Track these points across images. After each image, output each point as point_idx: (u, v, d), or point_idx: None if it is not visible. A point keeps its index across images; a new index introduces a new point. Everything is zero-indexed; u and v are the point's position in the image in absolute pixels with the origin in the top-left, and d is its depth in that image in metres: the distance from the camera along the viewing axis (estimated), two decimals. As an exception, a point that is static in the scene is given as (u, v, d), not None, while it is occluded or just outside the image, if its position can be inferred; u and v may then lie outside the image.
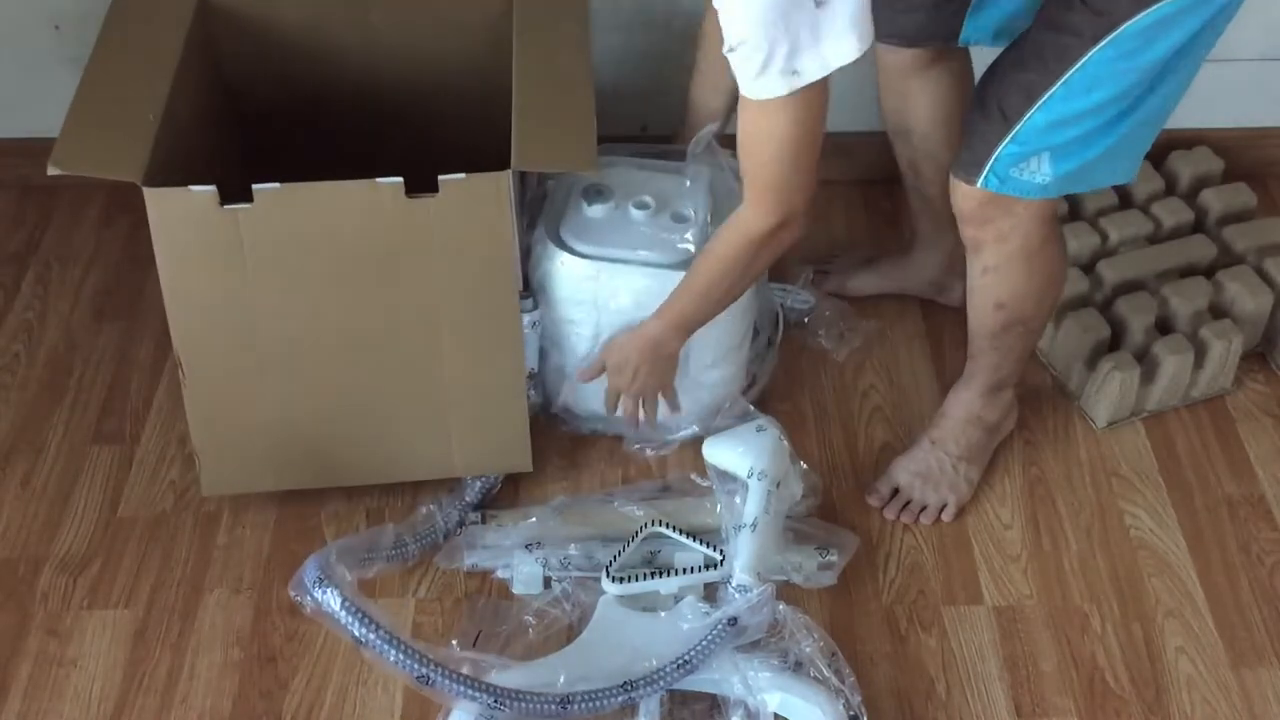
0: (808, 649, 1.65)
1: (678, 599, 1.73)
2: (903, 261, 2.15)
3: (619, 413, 1.87)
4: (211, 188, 1.62)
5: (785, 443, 1.82)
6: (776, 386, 2.05)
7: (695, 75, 1.92)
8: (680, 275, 1.80)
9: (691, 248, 1.82)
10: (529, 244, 1.87)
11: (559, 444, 1.97)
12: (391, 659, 1.54)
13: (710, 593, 1.75)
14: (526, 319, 1.83)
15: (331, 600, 1.55)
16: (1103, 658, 1.75)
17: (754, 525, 1.71)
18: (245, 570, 1.82)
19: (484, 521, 1.85)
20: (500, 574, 1.80)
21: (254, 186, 1.62)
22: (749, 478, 1.76)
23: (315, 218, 1.66)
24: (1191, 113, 2.32)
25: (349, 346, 1.76)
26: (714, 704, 1.66)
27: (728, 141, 1.93)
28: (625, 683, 1.59)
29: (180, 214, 1.64)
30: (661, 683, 1.61)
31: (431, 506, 1.84)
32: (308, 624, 1.74)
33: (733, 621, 1.63)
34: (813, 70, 1.42)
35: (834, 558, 1.80)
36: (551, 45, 1.82)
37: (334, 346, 1.76)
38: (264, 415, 1.79)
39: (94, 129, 1.68)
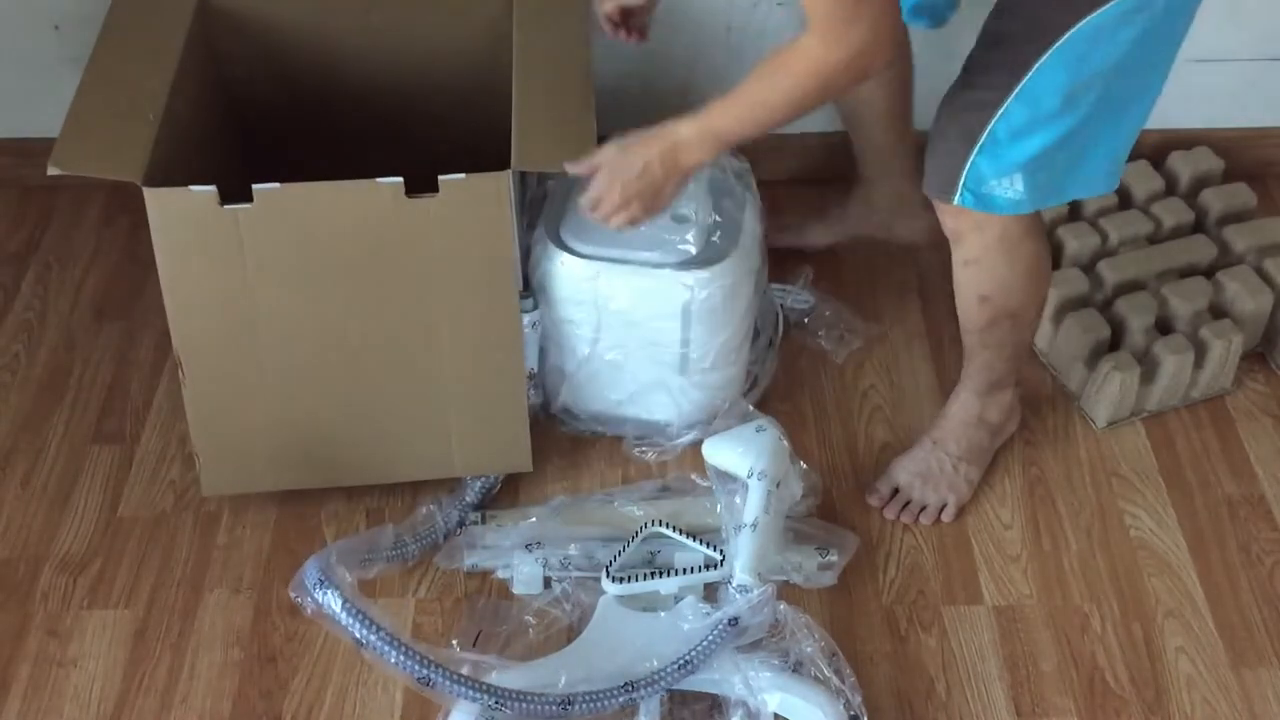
0: (808, 649, 1.65)
1: (678, 599, 1.73)
2: (850, 204, 2.16)
3: (596, 213, 1.68)
4: (211, 188, 1.62)
5: (785, 443, 1.82)
6: (777, 387, 2.05)
7: None
8: (681, 275, 1.81)
9: (692, 249, 1.82)
10: (529, 244, 1.87)
11: (559, 444, 1.97)
12: (392, 660, 1.54)
13: (710, 593, 1.75)
14: (526, 319, 1.83)
15: (332, 602, 1.55)
16: (1103, 658, 1.75)
17: (754, 525, 1.71)
18: (245, 570, 1.82)
19: (484, 521, 1.85)
20: (500, 574, 1.80)
21: (254, 186, 1.62)
22: (749, 478, 1.76)
23: (315, 218, 1.66)
24: (1191, 113, 2.34)
25: (349, 346, 1.76)
26: (714, 704, 1.66)
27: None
28: (626, 683, 1.59)
29: (180, 214, 1.64)
30: (662, 683, 1.61)
31: (431, 507, 1.84)
32: (308, 624, 1.74)
33: (733, 622, 1.63)
34: None
35: (834, 558, 1.80)
36: (551, 45, 1.83)
37: (334, 346, 1.76)
38: (264, 415, 1.79)
39: (94, 129, 1.68)
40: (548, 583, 1.78)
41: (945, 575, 1.83)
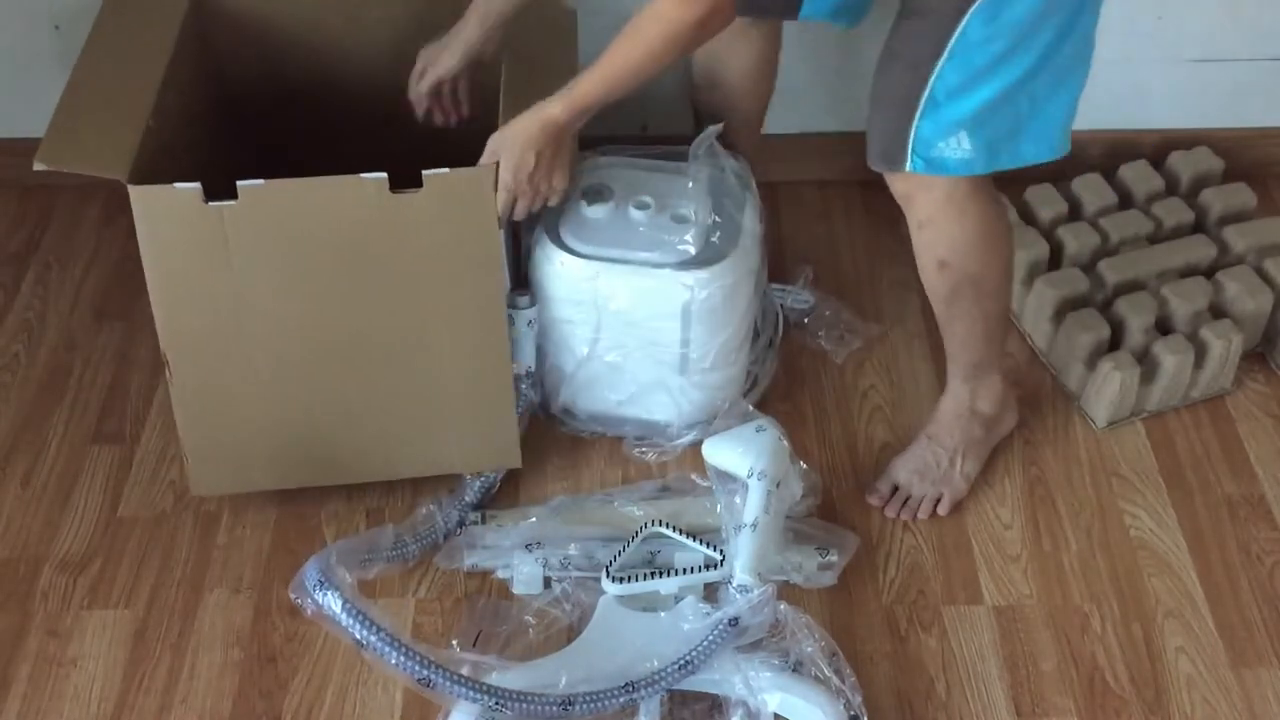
0: (808, 649, 1.65)
1: (678, 599, 1.73)
2: None
3: (516, 211, 1.75)
4: (196, 185, 1.62)
5: (785, 443, 1.82)
6: (777, 387, 2.05)
7: None
8: (681, 275, 1.81)
9: (692, 249, 1.82)
10: (529, 244, 1.87)
11: (559, 444, 1.97)
12: (392, 661, 1.54)
13: (710, 593, 1.75)
14: (523, 316, 1.83)
15: (332, 603, 1.54)
16: (1103, 658, 1.75)
17: (754, 525, 1.71)
18: (245, 570, 1.82)
19: (484, 521, 1.85)
20: (500, 574, 1.80)
21: (238, 183, 1.62)
22: (749, 478, 1.76)
23: (300, 214, 1.67)
24: (1191, 113, 2.34)
25: (335, 342, 1.76)
26: (714, 704, 1.66)
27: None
28: (627, 683, 1.59)
29: (165, 211, 1.64)
30: (663, 683, 1.61)
31: (431, 507, 1.83)
32: (308, 624, 1.74)
33: (734, 622, 1.63)
34: None
35: (834, 558, 1.80)
36: (539, 40, 1.84)
37: (320, 342, 1.76)
38: (251, 413, 1.79)
39: (82, 125, 1.68)
40: (548, 583, 1.78)
41: (945, 575, 1.83)
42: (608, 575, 1.74)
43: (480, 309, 1.75)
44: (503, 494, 1.90)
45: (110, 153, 1.64)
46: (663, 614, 1.71)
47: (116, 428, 1.99)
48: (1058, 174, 2.26)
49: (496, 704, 1.55)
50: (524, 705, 1.55)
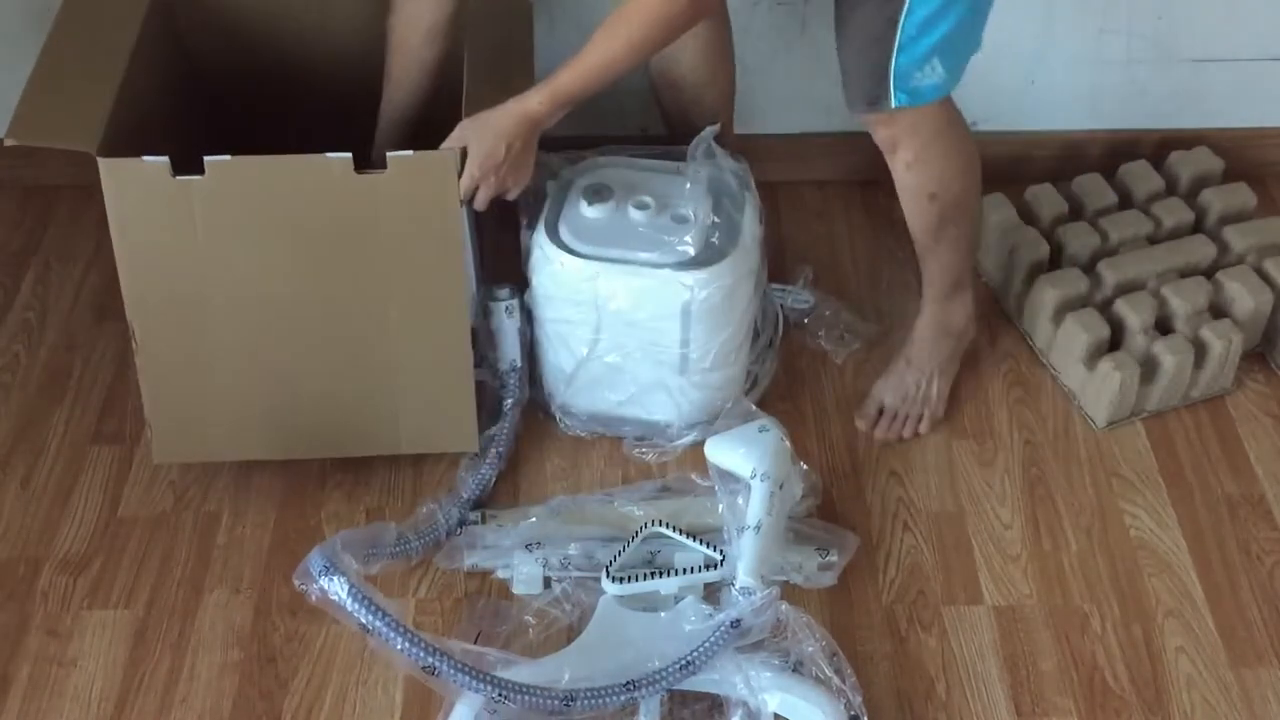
0: (809, 649, 1.65)
1: (678, 599, 1.73)
2: None
3: (477, 200, 1.74)
4: (164, 158, 1.64)
5: (787, 444, 1.82)
6: (777, 387, 2.05)
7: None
8: (680, 275, 1.81)
9: (691, 249, 1.82)
10: (529, 244, 1.87)
11: (559, 444, 1.97)
12: (398, 647, 1.53)
13: (710, 592, 1.75)
14: (501, 308, 1.84)
15: (339, 587, 1.53)
16: (1103, 658, 1.75)
17: (757, 527, 1.71)
18: (245, 570, 1.82)
19: (484, 521, 1.85)
20: (500, 574, 1.80)
21: (205, 158, 1.64)
22: (752, 479, 1.76)
23: (266, 190, 1.69)
24: (1191, 113, 2.34)
25: (298, 318, 1.78)
26: (714, 704, 1.66)
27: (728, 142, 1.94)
28: (628, 682, 1.59)
29: (133, 183, 1.67)
30: (664, 683, 1.61)
31: (432, 505, 1.84)
32: (308, 624, 1.74)
33: (736, 624, 1.63)
34: None
35: (834, 558, 1.80)
36: (499, 33, 1.88)
37: (283, 318, 1.77)
38: (215, 384, 1.81)
39: (51, 101, 1.70)
40: (548, 583, 1.78)
41: (945, 575, 1.83)
42: (608, 575, 1.74)
43: (440, 292, 1.77)
44: (503, 494, 1.90)
45: (80, 127, 1.66)
46: (663, 614, 1.71)
47: (116, 428, 1.99)
48: (1058, 174, 2.26)
49: (500, 695, 1.54)
50: (526, 698, 1.55)
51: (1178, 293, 2.04)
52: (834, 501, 1.91)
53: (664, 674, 1.61)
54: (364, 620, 1.53)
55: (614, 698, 1.58)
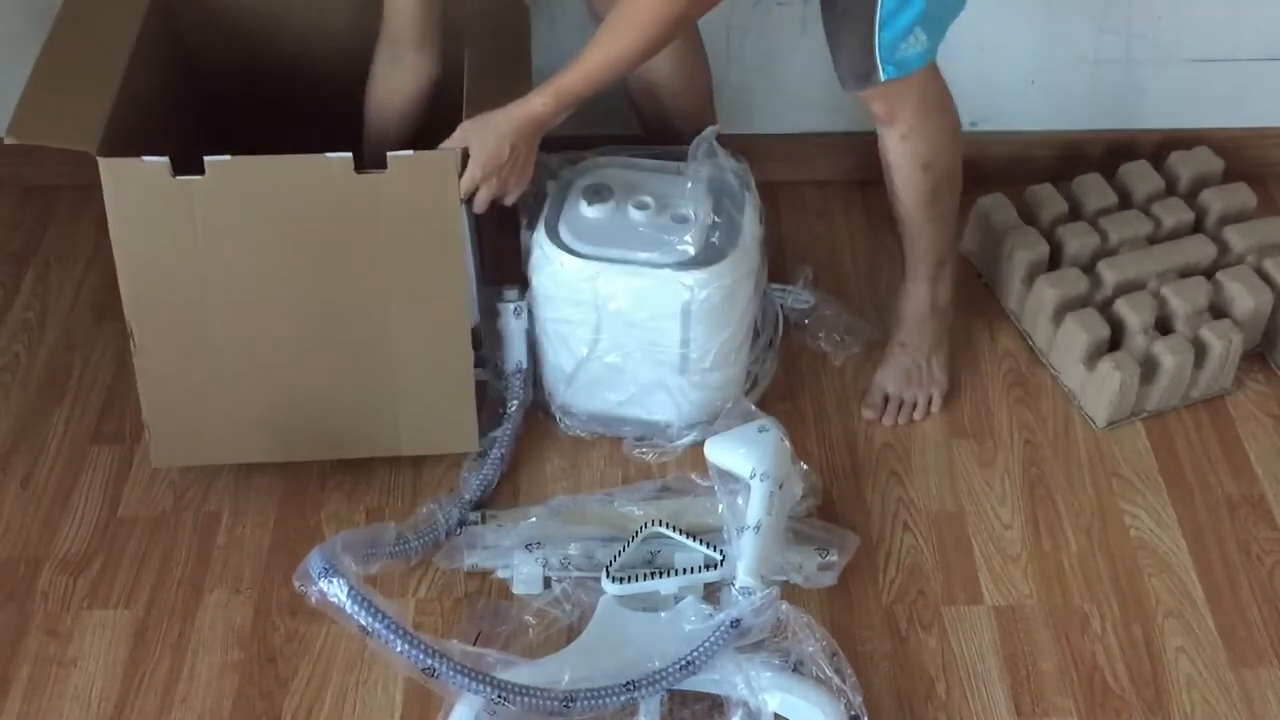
0: (809, 649, 1.65)
1: (678, 599, 1.73)
2: None
3: (476, 201, 1.74)
4: (164, 158, 1.64)
5: (787, 444, 1.82)
6: (777, 387, 2.05)
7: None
8: (681, 275, 1.81)
9: (691, 249, 1.82)
10: (529, 244, 1.87)
11: (559, 444, 1.97)
12: (398, 649, 1.53)
13: (710, 592, 1.75)
14: (509, 309, 1.84)
15: (338, 589, 1.54)
16: (1103, 658, 1.75)
17: (757, 527, 1.71)
18: (245, 570, 1.82)
19: (484, 521, 1.85)
20: (500, 574, 1.80)
21: (206, 158, 1.64)
22: (752, 479, 1.76)
23: (266, 190, 1.69)
24: (1191, 113, 2.34)
25: (298, 319, 1.78)
26: (714, 704, 1.66)
27: (729, 141, 1.94)
28: (628, 682, 1.59)
29: (133, 183, 1.67)
30: (664, 683, 1.60)
31: (432, 505, 1.84)
32: (308, 624, 1.74)
33: (736, 624, 1.63)
34: None
35: (834, 558, 1.80)
36: (499, 31, 1.88)
37: (283, 319, 1.77)
38: (214, 385, 1.81)
39: (52, 101, 1.70)
40: (548, 583, 1.78)
41: (945, 575, 1.83)
42: (608, 575, 1.74)
43: (440, 292, 1.76)
44: (503, 494, 1.90)
45: (80, 126, 1.66)
46: (663, 614, 1.71)
47: (116, 428, 1.99)
48: (1058, 174, 2.26)
49: (499, 696, 1.54)
50: (526, 699, 1.55)
51: (1178, 293, 2.04)
52: (834, 501, 1.91)
53: (664, 674, 1.61)
54: (363, 622, 1.53)
55: (614, 698, 1.58)
